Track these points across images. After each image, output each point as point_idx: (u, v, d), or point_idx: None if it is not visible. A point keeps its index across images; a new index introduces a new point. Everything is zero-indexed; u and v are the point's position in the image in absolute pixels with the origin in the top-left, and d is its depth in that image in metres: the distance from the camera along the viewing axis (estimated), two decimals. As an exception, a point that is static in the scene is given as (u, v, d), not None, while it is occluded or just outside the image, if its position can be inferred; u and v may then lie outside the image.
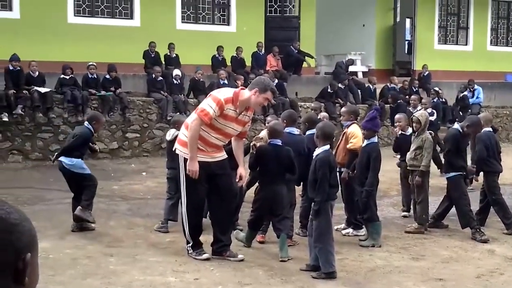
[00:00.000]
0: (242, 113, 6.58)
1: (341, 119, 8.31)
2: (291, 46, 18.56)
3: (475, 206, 8.52)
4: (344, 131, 8.09)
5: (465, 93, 18.99)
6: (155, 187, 11.11)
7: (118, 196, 10.53)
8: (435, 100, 16.46)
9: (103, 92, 14.45)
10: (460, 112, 18.04)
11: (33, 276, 1.50)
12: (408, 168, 8.49)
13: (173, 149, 6.80)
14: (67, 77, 14.24)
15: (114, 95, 14.58)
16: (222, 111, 6.41)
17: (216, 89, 7.37)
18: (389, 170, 10.11)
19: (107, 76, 14.88)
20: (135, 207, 9.69)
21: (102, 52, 15.90)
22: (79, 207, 7.82)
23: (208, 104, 6.44)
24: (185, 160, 6.51)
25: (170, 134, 8.19)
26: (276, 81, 16.36)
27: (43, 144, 13.81)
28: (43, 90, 13.68)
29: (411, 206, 8.89)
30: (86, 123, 8.22)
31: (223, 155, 6.76)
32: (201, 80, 15.90)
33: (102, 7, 17.00)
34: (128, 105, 14.71)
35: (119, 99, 14.70)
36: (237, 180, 6.79)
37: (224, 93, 6.61)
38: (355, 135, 7.79)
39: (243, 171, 6.78)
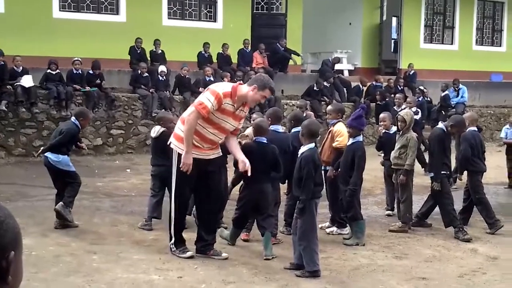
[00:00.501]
0: (239, 108, 6.56)
1: (328, 117, 8.32)
2: (278, 44, 18.55)
3: (458, 205, 8.57)
4: (330, 129, 8.08)
5: (447, 92, 19.08)
6: (140, 184, 11.06)
7: (102, 193, 10.47)
8: (420, 99, 16.52)
9: (87, 88, 14.35)
10: (442, 112, 18.11)
11: (17, 275, 1.48)
12: (392, 167, 8.52)
13: (168, 143, 6.70)
14: (53, 72, 14.12)
15: (99, 91, 14.50)
16: (220, 105, 6.36)
17: (214, 83, 7.27)
18: (373, 168, 10.13)
19: (91, 72, 14.76)
20: (119, 204, 9.64)
21: (87, 48, 15.80)
22: (60, 203, 7.76)
23: (206, 98, 6.37)
24: (179, 155, 6.45)
25: (155, 131, 8.14)
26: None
27: (27, 140, 13.70)
28: (27, 84, 13.52)
29: (395, 205, 8.92)
30: (73, 118, 8.14)
31: (218, 153, 6.74)
32: (186, 76, 15.85)
33: (88, 2, 16.88)
34: (115, 99, 14.63)
35: (104, 94, 14.62)
36: (241, 169, 6.54)
37: (222, 87, 6.55)
38: (341, 133, 7.79)
39: (244, 158, 6.52)
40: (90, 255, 6.77)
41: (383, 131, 9.08)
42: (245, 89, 6.50)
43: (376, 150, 9.84)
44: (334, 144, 7.81)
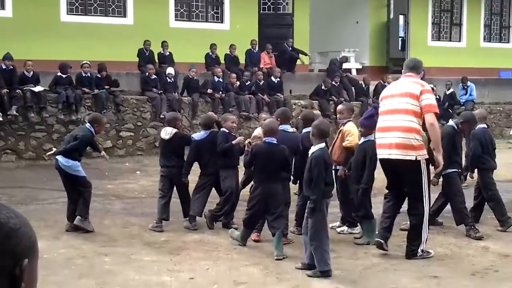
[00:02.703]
0: None
1: (339, 116, 8.27)
2: (285, 44, 18.55)
3: (469, 203, 8.53)
4: (340, 129, 8.06)
5: (452, 90, 19.02)
6: (150, 186, 11.08)
7: (112, 195, 10.50)
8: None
9: (96, 91, 14.40)
10: (449, 110, 18.04)
11: (31, 282, 1.48)
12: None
13: (400, 159, 6.66)
14: (64, 76, 14.18)
15: (107, 93, 14.54)
16: None
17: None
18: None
19: (99, 75, 14.79)
20: (130, 206, 9.66)
21: (95, 51, 15.85)
22: (78, 217, 7.81)
23: (431, 99, 6.73)
24: (425, 162, 6.69)
25: (167, 132, 8.15)
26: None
27: (37, 144, 13.76)
28: (36, 89, 13.62)
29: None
30: (88, 125, 8.13)
31: None
32: (195, 78, 15.87)
33: (95, 5, 16.95)
34: (122, 103, 14.69)
35: (112, 97, 14.66)
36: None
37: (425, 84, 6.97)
38: (351, 132, 7.77)
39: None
40: (101, 257, 6.79)
41: None
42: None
43: None
44: (344, 144, 7.79)
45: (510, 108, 21.08)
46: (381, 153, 6.89)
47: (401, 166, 6.71)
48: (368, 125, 7.48)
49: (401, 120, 6.66)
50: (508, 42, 25.08)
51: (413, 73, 6.99)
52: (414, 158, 6.60)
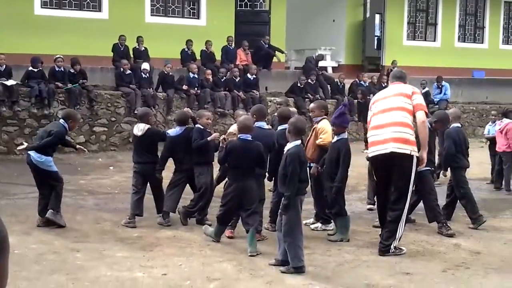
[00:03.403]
0: None
1: (311, 114, 8.27)
2: (261, 41, 18.54)
3: (442, 201, 8.61)
4: (314, 127, 8.07)
5: (427, 89, 19.21)
6: (123, 181, 11.00)
7: (85, 190, 10.40)
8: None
9: (69, 85, 14.24)
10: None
11: (1, 278, 1.44)
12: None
13: (396, 152, 6.77)
14: (36, 70, 14.01)
15: (80, 88, 14.39)
16: None
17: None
18: (358, 165, 10.13)
19: (72, 70, 14.62)
20: (102, 201, 9.58)
21: (69, 45, 15.70)
22: (50, 211, 7.72)
23: (422, 99, 7.11)
24: (416, 158, 6.82)
25: (139, 128, 8.08)
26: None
27: (8, 138, 13.58)
28: (9, 83, 13.44)
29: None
30: (61, 120, 8.02)
31: None
32: (170, 73, 15.79)
33: (70, -1, 16.77)
34: (95, 99, 14.56)
35: (86, 92, 14.52)
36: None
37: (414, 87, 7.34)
38: (325, 130, 7.78)
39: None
40: (73, 253, 6.71)
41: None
42: None
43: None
44: (317, 141, 7.80)
45: (483, 107, 21.34)
46: (375, 150, 6.95)
47: (395, 160, 6.81)
48: (340, 123, 7.51)
49: (397, 116, 6.88)
50: (482, 42, 25.39)
51: (401, 82, 7.31)
52: (409, 152, 6.78)
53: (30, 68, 13.99)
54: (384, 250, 6.90)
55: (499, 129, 11.54)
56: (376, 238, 7.57)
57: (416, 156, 6.85)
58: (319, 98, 16.33)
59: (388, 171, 6.99)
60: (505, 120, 11.52)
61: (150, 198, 8.31)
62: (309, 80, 17.67)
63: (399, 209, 6.90)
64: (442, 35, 24.14)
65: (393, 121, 6.86)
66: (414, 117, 6.99)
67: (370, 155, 7.09)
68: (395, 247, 6.94)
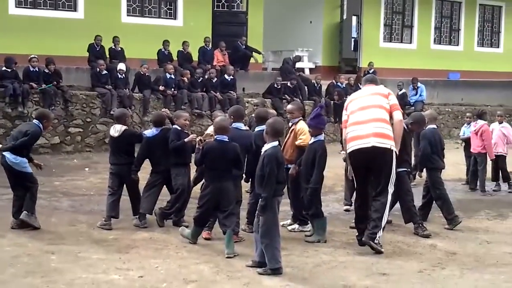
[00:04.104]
0: None
1: (289, 116, 8.25)
2: (239, 42, 18.53)
3: (418, 201, 8.67)
4: (292, 128, 8.04)
5: (404, 90, 19.35)
6: (99, 183, 10.90)
7: (60, 192, 10.29)
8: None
9: (44, 86, 14.08)
10: (400, 110, 18.31)
11: None
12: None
13: (377, 146, 6.89)
14: (9, 70, 13.84)
15: (55, 89, 14.24)
16: None
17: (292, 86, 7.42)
18: (334, 166, 10.17)
19: (46, 70, 14.45)
20: (78, 203, 9.48)
21: (44, 45, 15.54)
22: (24, 212, 7.61)
23: (396, 100, 7.36)
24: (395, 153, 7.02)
25: (116, 130, 8.00)
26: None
27: (-18, 139, 13.37)
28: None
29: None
30: (35, 121, 7.90)
31: None
32: (146, 74, 15.70)
33: (45, -2, 16.59)
34: (70, 99, 14.41)
35: (60, 92, 14.38)
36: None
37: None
38: (304, 131, 7.76)
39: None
40: (48, 255, 6.63)
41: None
42: None
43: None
44: (297, 142, 7.78)
45: (459, 109, 21.56)
46: (356, 144, 7.03)
47: (376, 154, 6.92)
48: (316, 125, 7.51)
49: (377, 113, 7.07)
50: (458, 44, 25.68)
51: (373, 84, 7.54)
52: (389, 147, 6.95)
53: (4, 68, 13.81)
54: (372, 237, 7.00)
55: (474, 130, 11.65)
56: (353, 239, 7.60)
57: (395, 151, 6.99)
58: (296, 99, 16.33)
59: (367, 166, 7.08)
60: (480, 122, 11.64)
61: (126, 200, 8.24)
62: (289, 84, 17.72)
63: (383, 201, 7.06)
64: (418, 37, 24.35)
65: (374, 117, 7.02)
66: (390, 117, 7.10)
67: (350, 150, 7.11)
68: (379, 237, 7.02)
